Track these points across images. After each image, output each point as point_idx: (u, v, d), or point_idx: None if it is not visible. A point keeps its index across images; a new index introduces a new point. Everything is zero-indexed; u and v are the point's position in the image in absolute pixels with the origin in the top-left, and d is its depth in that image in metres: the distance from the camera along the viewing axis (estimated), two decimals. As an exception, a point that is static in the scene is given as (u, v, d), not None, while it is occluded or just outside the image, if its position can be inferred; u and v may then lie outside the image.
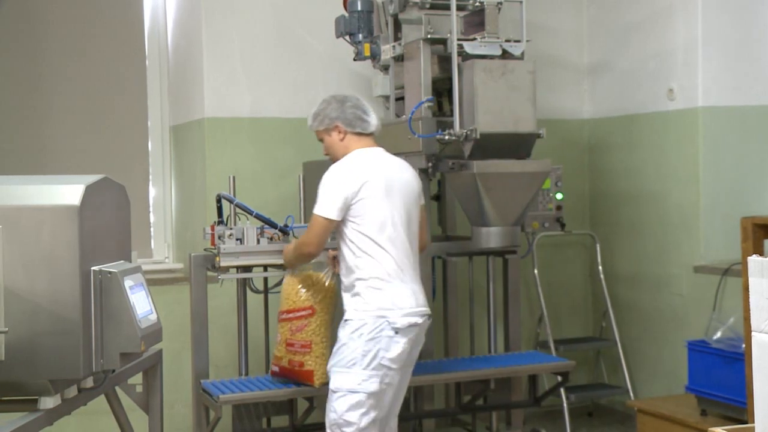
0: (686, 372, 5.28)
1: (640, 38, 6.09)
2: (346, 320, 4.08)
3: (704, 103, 5.64)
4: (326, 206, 4.06)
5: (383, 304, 4.02)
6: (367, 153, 4.23)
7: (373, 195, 4.07)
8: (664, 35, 5.87)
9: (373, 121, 4.28)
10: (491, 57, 4.75)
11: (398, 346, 4.02)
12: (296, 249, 4.26)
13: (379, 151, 4.28)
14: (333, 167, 4.15)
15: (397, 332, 4.01)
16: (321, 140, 4.33)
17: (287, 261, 4.41)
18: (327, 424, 4.08)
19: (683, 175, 5.77)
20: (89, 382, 3.01)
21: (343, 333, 4.07)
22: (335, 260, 4.32)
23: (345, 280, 4.15)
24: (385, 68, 5.36)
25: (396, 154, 5.02)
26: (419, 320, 4.08)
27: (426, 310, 4.16)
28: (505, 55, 4.79)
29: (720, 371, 5.00)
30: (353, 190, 4.05)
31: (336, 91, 5.82)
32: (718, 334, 5.06)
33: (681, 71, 5.76)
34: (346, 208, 4.05)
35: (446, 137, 4.77)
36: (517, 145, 4.79)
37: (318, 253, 4.18)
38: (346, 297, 4.13)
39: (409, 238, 4.17)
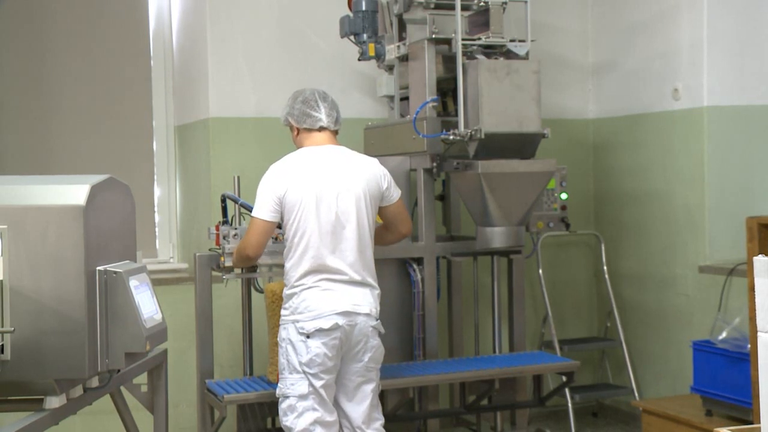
0: (691, 372, 5.27)
1: (645, 38, 6.08)
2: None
3: (709, 102, 5.63)
4: (259, 208, 4.05)
5: (295, 308, 4.01)
6: (307, 152, 4.11)
7: (297, 200, 3.98)
8: (670, 35, 5.86)
9: (322, 116, 4.11)
10: (496, 57, 4.76)
11: (310, 350, 3.95)
12: (237, 251, 4.27)
13: (327, 149, 4.12)
14: (269, 168, 4.12)
15: (308, 336, 3.96)
16: None
17: (233, 262, 4.41)
18: None
19: (688, 175, 5.75)
20: (94, 382, 3.02)
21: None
22: None
23: None
24: (390, 68, 5.36)
25: (401, 154, 5.05)
26: (326, 325, 3.95)
27: (351, 310, 3.99)
28: (510, 54, 4.79)
29: (725, 371, 4.99)
30: (280, 194, 4.01)
31: (340, 91, 5.87)
32: (724, 335, 5.05)
33: (686, 71, 5.75)
34: (280, 210, 4.02)
35: (451, 137, 4.77)
36: (521, 145, 4.79)
37: (257, 256, 4.15)
38: None
39: (348, 240, 4.01)
